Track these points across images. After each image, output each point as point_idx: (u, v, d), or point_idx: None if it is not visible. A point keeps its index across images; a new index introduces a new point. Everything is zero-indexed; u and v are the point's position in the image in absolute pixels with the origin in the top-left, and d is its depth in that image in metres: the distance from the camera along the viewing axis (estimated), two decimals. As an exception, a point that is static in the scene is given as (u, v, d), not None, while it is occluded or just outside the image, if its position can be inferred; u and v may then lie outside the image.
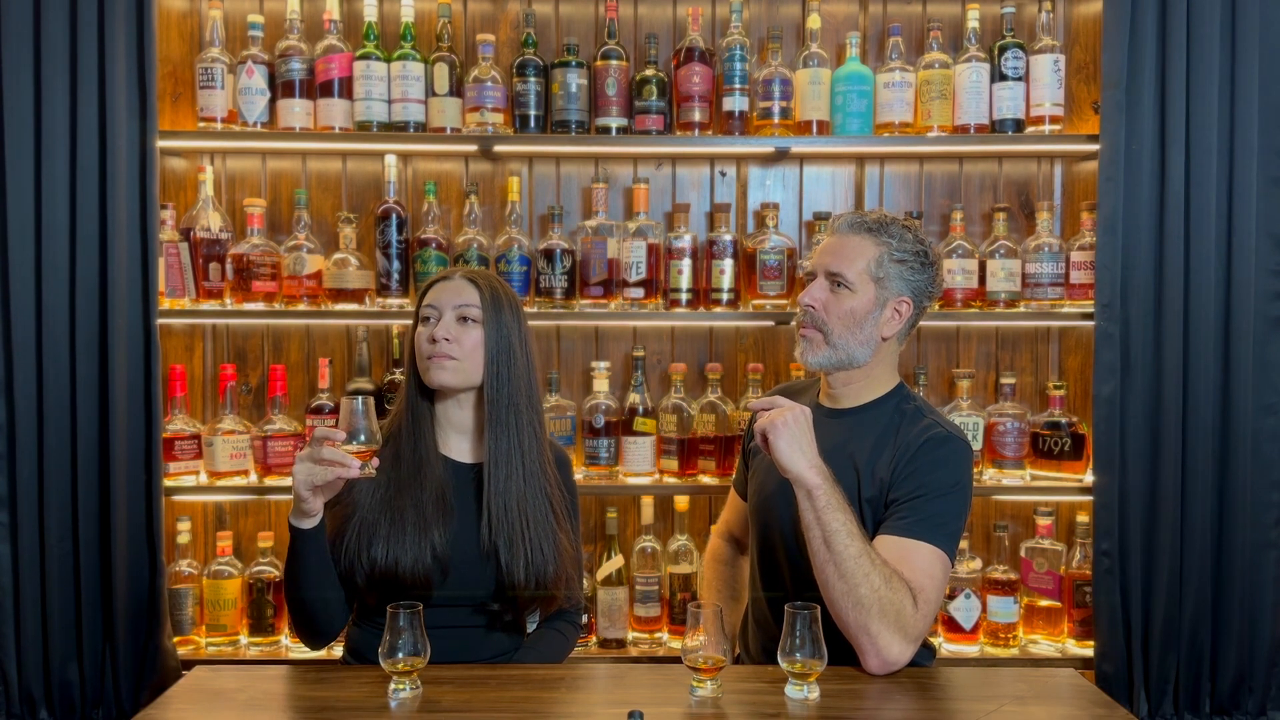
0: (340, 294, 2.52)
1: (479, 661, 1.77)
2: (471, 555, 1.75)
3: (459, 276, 1.82)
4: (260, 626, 2.52)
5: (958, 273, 2.54)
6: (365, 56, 2.50)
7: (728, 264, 2.53)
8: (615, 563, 2.54)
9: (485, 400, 1.78)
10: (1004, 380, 2.61)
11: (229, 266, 2.53)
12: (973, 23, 2.56)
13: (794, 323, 1.89)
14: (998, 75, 2.53)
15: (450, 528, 1.74)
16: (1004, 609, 2.51)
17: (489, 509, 1.75)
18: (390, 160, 2.57)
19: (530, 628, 1.93)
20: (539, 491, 1.79)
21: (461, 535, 1.76)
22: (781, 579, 1.82)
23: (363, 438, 1.60)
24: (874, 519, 1.72)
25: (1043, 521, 2.54)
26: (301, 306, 2.52)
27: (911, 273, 1.79)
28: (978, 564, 2.55)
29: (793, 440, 1.61)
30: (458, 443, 1.85)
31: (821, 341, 1.80)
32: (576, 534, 1.90)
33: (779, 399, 1.68)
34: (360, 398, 1.61)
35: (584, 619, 2.47)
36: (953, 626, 2.52)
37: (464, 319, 1.78)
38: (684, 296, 2.55)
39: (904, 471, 1.71)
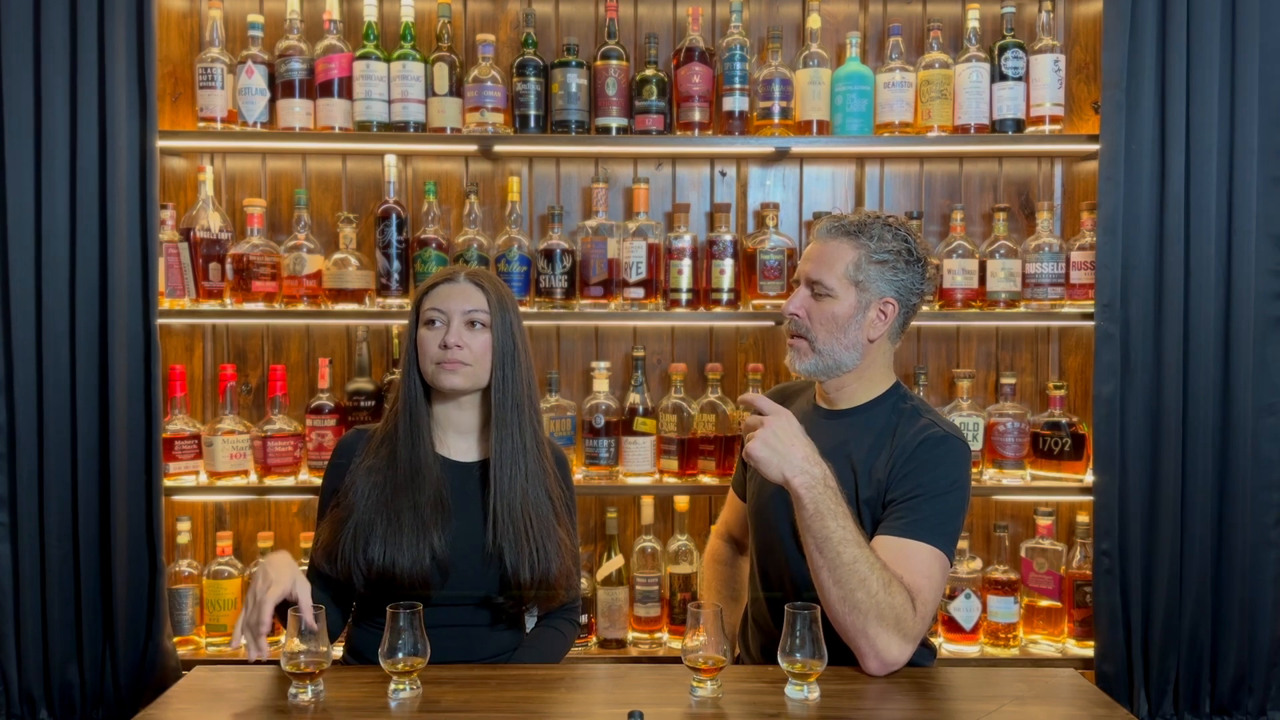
0: (340, 294, 2.52)
1: (480, 659, 1.77)
2: (474, 556, 1.75)
3: (463, 279, 1.81)
4: (260, 626, 2.52)
5: (958, 273, 2.53)
6: (365, 56, 2.50)
7: (728, 264, 2.53)
8: (615, 563, 2.54)
9: (491, 400, 1.79)
10: (1004, 380, 2.61)
11: (229, 266, 2.53)
12: (973, 23, 2.56)
13: (784, 328, 1.88)
14: (998, 75, 2.53)
15: (450, 530, 1.74)
16: (1004, 609, 2.51)
17: (494, 511, 1.75)
18: (390, 160, 2.57)
19: (530, 623, 1.94)
20: (540, 489, 1.80)
21: (463, 536, 1.76)
22: (781, 580, 1.82)
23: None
24: (872, 519, 1.72)
25: (1043, 521, 2.54)
26: (301, 306, 2.52)
27: (894, 273, 1.77)
28: (978, 564, 2.55)
29: (772, 450, 1.60)
30: (456, 441, 1.85)
31: (807, 348, 1.79)
32: (574, 530, 1.91)
33: (764, 403, 1.66)
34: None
35: (583, 617, 2.47)
36: (953, 626, 2.51)
37: (473, 324, 1.78)
38: (684, 296, 2.55)
39: (901, 472, 1.71)
